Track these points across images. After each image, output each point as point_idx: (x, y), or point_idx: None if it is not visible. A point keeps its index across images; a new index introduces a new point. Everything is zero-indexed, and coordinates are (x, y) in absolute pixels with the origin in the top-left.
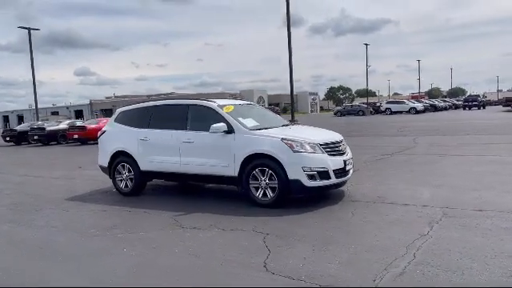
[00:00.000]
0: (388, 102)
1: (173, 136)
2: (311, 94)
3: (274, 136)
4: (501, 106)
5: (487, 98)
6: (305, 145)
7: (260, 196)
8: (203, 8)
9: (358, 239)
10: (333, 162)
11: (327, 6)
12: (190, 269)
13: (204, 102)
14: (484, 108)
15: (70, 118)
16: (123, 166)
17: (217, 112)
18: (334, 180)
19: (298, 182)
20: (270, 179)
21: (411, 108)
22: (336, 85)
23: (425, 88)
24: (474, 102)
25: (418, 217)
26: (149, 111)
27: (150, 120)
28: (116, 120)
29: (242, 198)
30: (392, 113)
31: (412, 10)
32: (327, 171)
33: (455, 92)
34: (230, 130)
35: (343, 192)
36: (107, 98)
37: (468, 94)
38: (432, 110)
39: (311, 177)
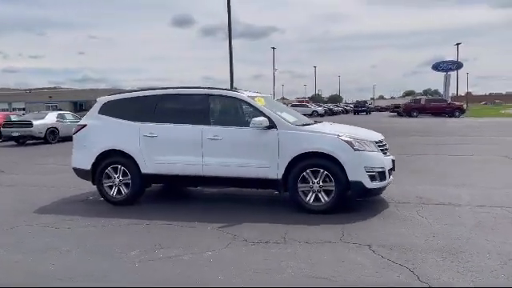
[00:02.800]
0: (293, 105)
1: (193, 132)
2: None
3: (327, 132)
4: (386, 112)
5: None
6: (363, 143)
7: (311, 201)
8: None
9: (476, 245)
10: (387, 161)
11: (218, 8)
12: None
13: (232, 93)
14: (370, 113)
15: None
16: (115, 168)
17: (251, 104)
18: (388, 180)
19: (359, 183)
20: (323, 181)
21: (313, 111)
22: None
23: (309, 94)
24: (363, 108)
25: (493, 217)
26: (152, 101)
27: (154, 112)
28: (101, 112)
29: (260, 203)
30: None
31: (296, 20)
32: (384, 171)
33: (334, 98)
34: (271, 126)
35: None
36: None
37: (344, 100)
38: (329, 113)
39: (373, 178)
